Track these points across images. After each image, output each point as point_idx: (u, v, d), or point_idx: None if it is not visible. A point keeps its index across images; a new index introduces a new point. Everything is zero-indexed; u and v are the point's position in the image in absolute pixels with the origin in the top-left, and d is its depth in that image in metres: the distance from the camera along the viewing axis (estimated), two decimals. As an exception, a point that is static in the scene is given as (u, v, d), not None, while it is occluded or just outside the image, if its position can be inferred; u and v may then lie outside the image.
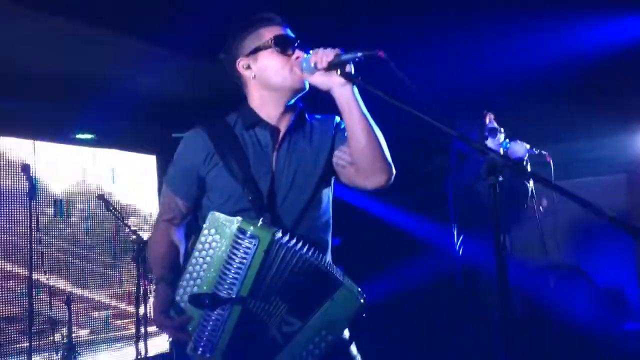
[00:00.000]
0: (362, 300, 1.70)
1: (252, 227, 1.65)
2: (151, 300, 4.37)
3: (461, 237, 3.89)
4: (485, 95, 4.26)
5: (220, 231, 1.68)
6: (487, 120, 3.87)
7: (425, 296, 5.49)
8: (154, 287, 1.86)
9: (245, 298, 1.66)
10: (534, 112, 4.60)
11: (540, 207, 3.80)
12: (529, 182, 3.90)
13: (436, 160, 5.66)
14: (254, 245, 1.64)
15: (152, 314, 1.75)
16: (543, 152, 3.90)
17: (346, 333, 1.80)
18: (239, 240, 1.65)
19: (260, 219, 1.68)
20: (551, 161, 3.93)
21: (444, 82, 4.02)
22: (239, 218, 1.67)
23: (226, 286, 1.66)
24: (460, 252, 3.92)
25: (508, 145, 3.82)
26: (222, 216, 1.69)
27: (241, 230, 1.65)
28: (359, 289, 1.72)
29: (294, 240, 1.68)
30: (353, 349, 1.84)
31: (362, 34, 3.55)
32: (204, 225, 1.71)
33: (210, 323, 1.67)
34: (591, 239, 5.62)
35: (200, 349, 1.68)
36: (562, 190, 1.30)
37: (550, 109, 4.78)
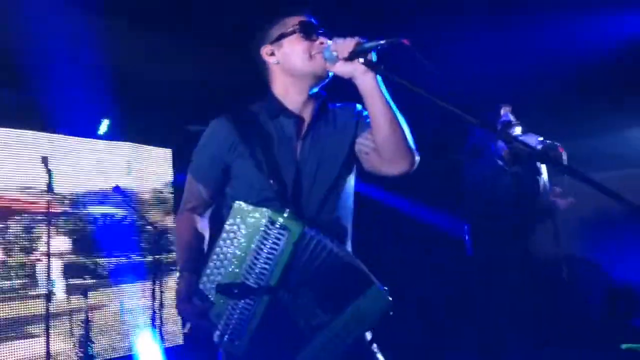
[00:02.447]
0: (390, 299, 1.69)
1: (281, 218, 1.64)
2: (167, 291, 4.40)
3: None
4: (505, 89, 4.24)
5: (246, 221, 1.67)
6: (502, 112, 3.87)
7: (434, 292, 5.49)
8: (177, 275, 1.86)
9: (273, 288, 1.65)
10: (556, 106, 4.58)
11: (558, 200, 3.76)
12: (540, 176, 3.88)
13: (449, 156, 5.64)
14: (284, 236, 1.64)
15: (176, 301, 1.74)
16: (555, 143, 3.87)
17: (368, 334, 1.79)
18: (269, 231, 1.64)
19: (287, 210, 1.67)
20: (564, 153, 3.90)
21: (464, 75, 4.03)
22: (265, 209, 1.66)
23: (254, 276, 1.65)
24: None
25: (520, 138, 3.80)
26: (246, 206, 1.68)
27: (271, 221, 1.64)
28: (385, 288, 1.71)
29: (322, 235, 1.66)
30: (374, 346, 1.83)
31: (386, 25, 3.55)
32: (229, 215, 1.70)
33: (238, 311, 1.67)
34: (606, 233, 5.58)
35: (227, 336, 1.68)
36: (592, 182, 1.28)
37: (572, 103, 4.76)
